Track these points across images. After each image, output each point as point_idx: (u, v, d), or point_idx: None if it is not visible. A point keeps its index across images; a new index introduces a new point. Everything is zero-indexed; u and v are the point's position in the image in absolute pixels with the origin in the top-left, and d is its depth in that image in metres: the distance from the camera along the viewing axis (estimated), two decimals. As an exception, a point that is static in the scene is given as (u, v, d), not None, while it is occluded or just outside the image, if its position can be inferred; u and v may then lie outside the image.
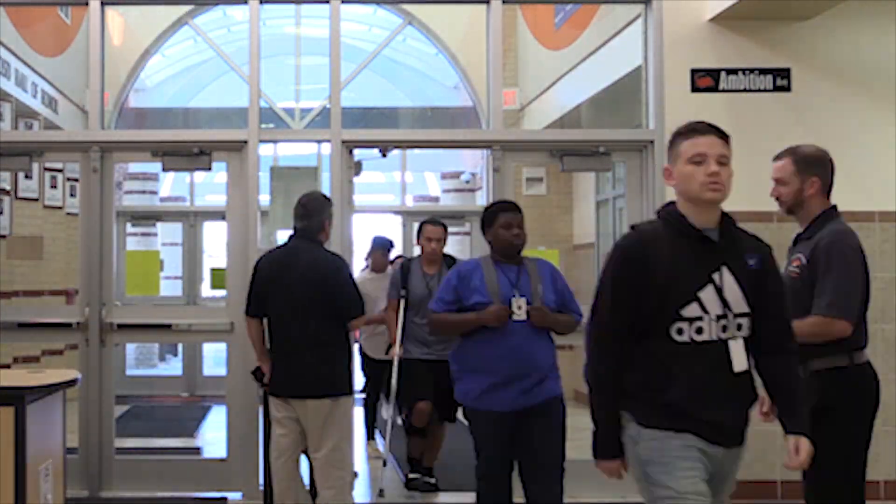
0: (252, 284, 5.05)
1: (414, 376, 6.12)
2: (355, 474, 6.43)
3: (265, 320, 5.02)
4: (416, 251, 6.70)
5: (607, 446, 3.01)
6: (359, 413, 8.43)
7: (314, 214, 5.00)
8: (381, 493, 6.19)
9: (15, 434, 3.77)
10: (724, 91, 6.10)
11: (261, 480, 5.85)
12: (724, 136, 3.00)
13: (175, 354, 13.17)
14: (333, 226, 6.20)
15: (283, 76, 10.17)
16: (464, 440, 7.31)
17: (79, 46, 7.88)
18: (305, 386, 4.80)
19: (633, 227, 3.08)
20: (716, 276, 2.91)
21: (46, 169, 9.43)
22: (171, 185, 14.60)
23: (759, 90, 6.12)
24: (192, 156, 6.23)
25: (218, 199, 10.79)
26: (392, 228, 11.76)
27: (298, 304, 4.80)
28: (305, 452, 5.01)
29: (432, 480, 6.34)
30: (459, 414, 5.62)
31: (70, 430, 4.61)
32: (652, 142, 6.13)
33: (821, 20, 6.05)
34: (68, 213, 9.62)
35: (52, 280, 9.38)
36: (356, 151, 6.50)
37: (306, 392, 4.80)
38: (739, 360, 2.91)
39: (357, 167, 6.57)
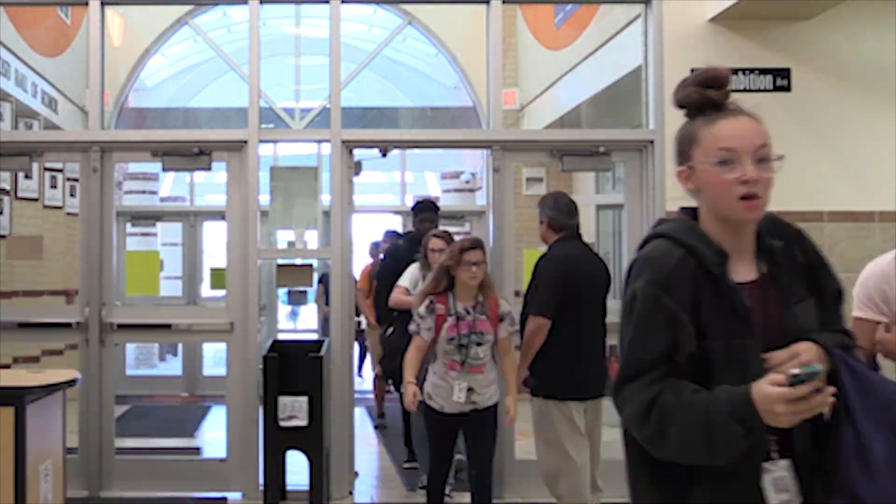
0: (554, 285, 4.74)
1: None
2: (356, 474, 6.44)
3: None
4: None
5: None
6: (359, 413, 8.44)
7: (577, 213, 4.95)
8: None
9: (15, 434, 3.77)
10: (723, 91, 6.10)
11: (261, 480, 5.86)
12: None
13: (175, 354, 13.15)
14: (333, 227, 6.23)
15: (283, 76, 10.17)
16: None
17: (79, 46, 7.87)
18: (601, 385, 4.77)
19: None
20: None
21: (46, 169, 9.42)
22: (171, 185, 14.58)
23: (759, 90, 6.11)
24: (192, 156, 6.23)
25: (218, 199, 10.78)
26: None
27: (597, 303, 4.82)
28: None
29: None
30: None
31: (70, 430, 4.61)
32: (652, 142, 6.12)
33: (821, 20, 6.05)
34: (68, 213, 9.61)
35: (52, 280, 9.37)
36: (356, 151, 6.50)
37: (602, 391, 4.77)
38: None
39: (357, 167, 6.57)
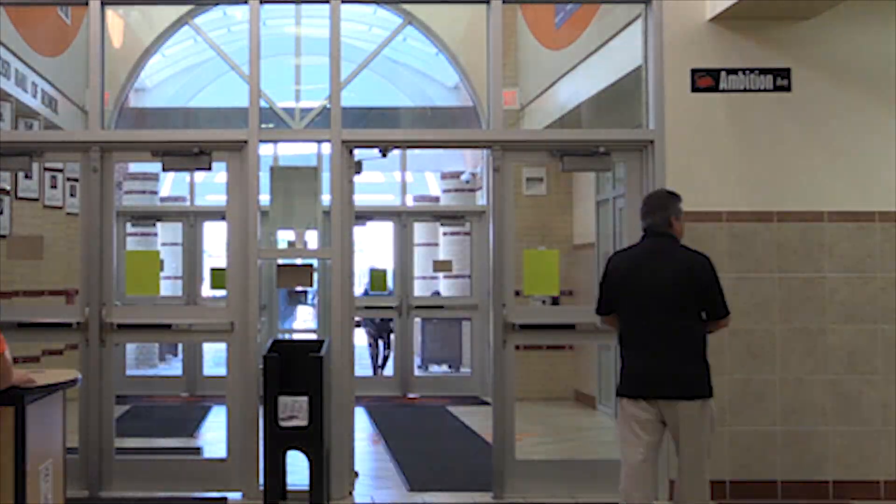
0: (603, 284, 4.81)
1: None
2: (356, 474, 6.44)
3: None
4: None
5: None
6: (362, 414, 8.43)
7: (658, 211, 4.77)
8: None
9: (15, 434, 3.76)
10: (724, 91, 6.10)
11: (261, 480, 5.86)
12: None
13: (175, 354, 13.17)
14: (333, 226, 6.23)
15: (283, 76, 10.17)
16: (464, 440, 7.29)
17: (79, 46, 7.87)
18: (677, 386, 4.58)
19: None
20: None
21: (46, 169, 9.43)
22: (171, 185, 14.60)
23: (759, 90, 6.11)
24: (192, 156, 6.23)
25: (218, 199, 10.78)
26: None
27: (660, 301, 4.61)
28: None
29: None
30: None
31: (70, 430, 4.60)
32: (652, 142, 6.12)
33: (821, 20, 6.04)
34: (68, 213, 9.62)
35: (52, 280, 9.38)
36: (356, 151, 6.49)
37: (678, 393, 4.59)
38: None
39: (357, 167, 6.58)
